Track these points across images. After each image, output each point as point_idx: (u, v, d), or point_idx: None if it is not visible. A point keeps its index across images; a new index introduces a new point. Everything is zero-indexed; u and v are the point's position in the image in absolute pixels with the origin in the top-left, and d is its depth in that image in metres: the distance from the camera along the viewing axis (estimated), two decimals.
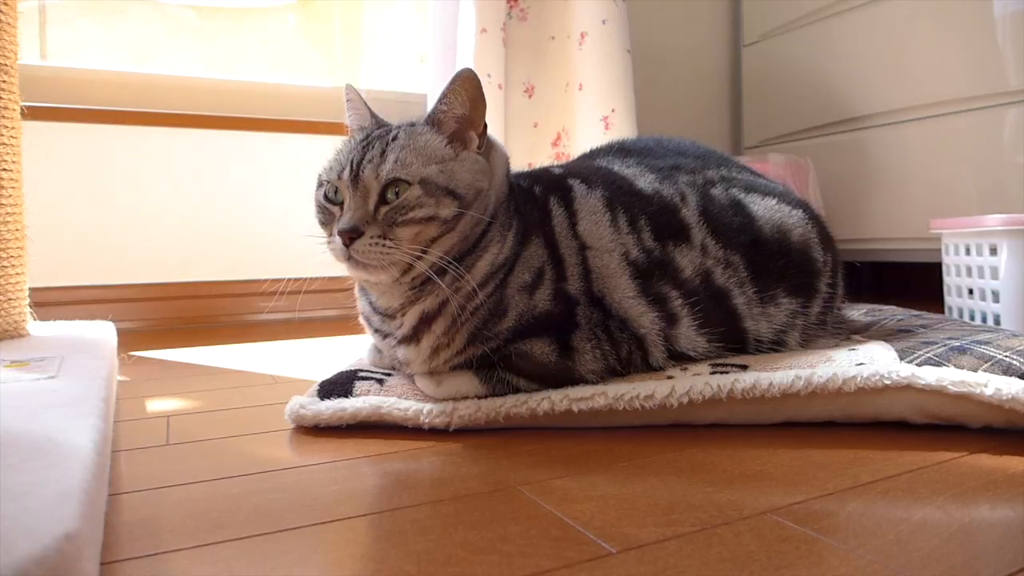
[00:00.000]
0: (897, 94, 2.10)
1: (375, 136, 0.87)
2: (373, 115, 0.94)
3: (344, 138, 0.94)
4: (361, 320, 0.97)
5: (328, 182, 0.86)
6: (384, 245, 0.80)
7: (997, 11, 1.82)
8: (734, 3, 2.75)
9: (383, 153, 0.83)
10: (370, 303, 0.93)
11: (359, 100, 0.94)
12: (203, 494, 0.65)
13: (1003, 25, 1.81)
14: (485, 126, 0.89)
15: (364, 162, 0.83)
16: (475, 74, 0.85)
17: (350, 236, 0.79)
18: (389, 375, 0.93)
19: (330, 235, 0.84)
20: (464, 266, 0.84)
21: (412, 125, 0.88)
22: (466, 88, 0.85)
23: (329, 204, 0.85)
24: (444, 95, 0.86)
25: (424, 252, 0.81)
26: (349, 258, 0.81)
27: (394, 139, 0.85)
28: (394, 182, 0.81)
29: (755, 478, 0.66)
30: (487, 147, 0.89)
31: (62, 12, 2.00)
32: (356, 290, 0.98)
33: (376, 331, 0.94)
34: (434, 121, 0.87)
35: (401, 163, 0.82)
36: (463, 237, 0.84)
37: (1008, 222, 1.33)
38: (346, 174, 0.83)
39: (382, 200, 0.82)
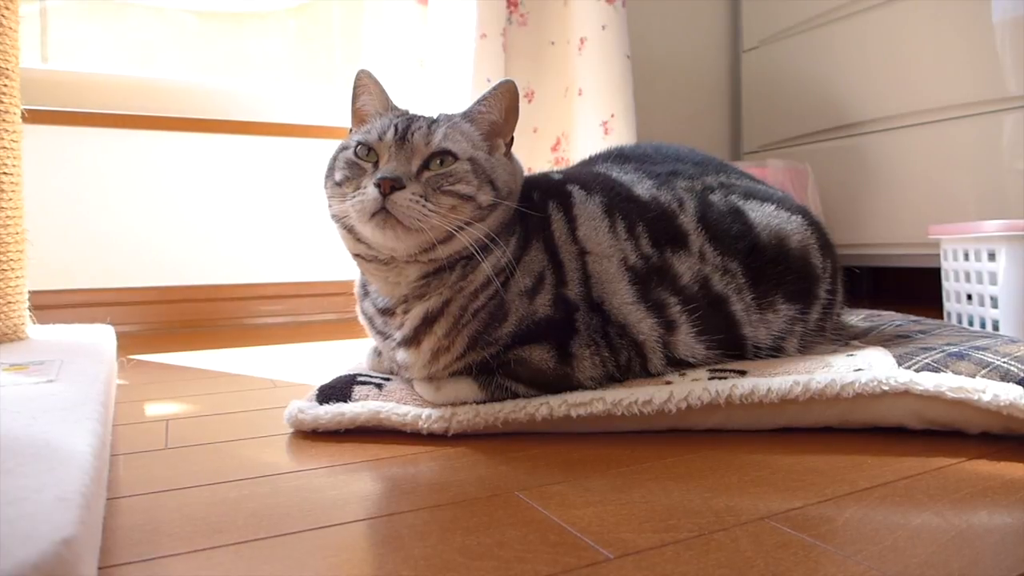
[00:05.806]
0: (896, 100, 2.10)
1: (411, 116, 0.88)
2: (392, 103, 0.93)
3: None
4: (362, 320, 0.97)
5: (362, 143, 0.84)
6: (424, 205, 0.79)
7: (996, 17, 1.82)
8: (734, 9, 2.75)
9: (431, 126, 0.85)
10: (373, 303, 0.93)
11: (377, 84, 0.92)
12: (201, 498, 0.65)
13: (1001, 31, 1.82)
14: (512, 139, 0.91)
15: (413, 127, 0.84)
16: (516, 86, 0.88)
17: (392, 185, 0.78)
18: (388, 379, 0.93)
19: (355, 189, 0.82)
20: (471, 265, 0.84)
21: (449, 117, 0.89)
22: (505, 97, 0.88)
23: (360, 160, 0.84)
24: (484, 98, 0.88)
25: (466, 225, 0.81)
26: (380, 209, 0.78)
27: (436, 120, 0.87)
28: (443, 152, 0.83)
29: (753, 484, 0.67)
30: (509, 159, 0.91)
31: (63, 16, 2.01)
32: (357, 289, 0.98)
33: (378, 332, 0.94)
34: (471, 119, 0.89)
35: (451, 138, 0.84)
36: (489, 231, 0.84)
37: (1007, 228, 1.33)
38: (389, 135, 0.83)
39: (425, 166, 0.82)
